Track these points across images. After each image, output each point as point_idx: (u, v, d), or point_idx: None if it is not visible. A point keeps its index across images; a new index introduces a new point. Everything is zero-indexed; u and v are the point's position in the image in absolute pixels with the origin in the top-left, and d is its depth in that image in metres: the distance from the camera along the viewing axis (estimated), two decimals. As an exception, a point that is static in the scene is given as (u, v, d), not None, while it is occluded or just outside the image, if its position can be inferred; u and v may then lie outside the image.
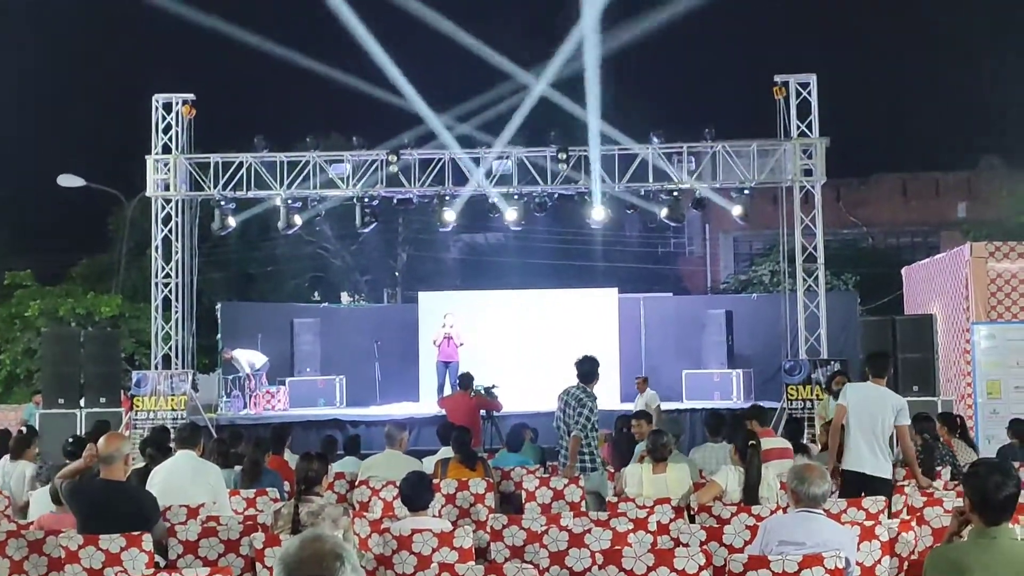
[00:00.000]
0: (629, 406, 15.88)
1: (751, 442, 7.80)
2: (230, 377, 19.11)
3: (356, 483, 9.27)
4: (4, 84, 35.01)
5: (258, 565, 6.29)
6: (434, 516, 7.25)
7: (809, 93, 17.52)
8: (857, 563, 5.86)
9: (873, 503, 7.60)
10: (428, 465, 9.65)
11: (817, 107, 17.45)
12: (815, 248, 17.73)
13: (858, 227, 36.20)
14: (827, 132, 17.64)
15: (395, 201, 18.82)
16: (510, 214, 18.10)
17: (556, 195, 18.14)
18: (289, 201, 18.09)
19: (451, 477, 9.10)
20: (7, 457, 10.13)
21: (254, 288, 32.26)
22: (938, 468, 9.51)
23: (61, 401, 16.45)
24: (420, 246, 35.10)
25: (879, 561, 6.24)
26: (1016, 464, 8.01)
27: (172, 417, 16.59)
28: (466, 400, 14.20)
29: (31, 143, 34.10)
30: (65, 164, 26.24)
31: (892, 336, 15.84)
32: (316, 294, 35.09)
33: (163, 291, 18.21)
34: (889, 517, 7.52)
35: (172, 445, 9.13)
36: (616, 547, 6.18)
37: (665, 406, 17.89)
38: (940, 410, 13.59)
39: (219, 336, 20.13)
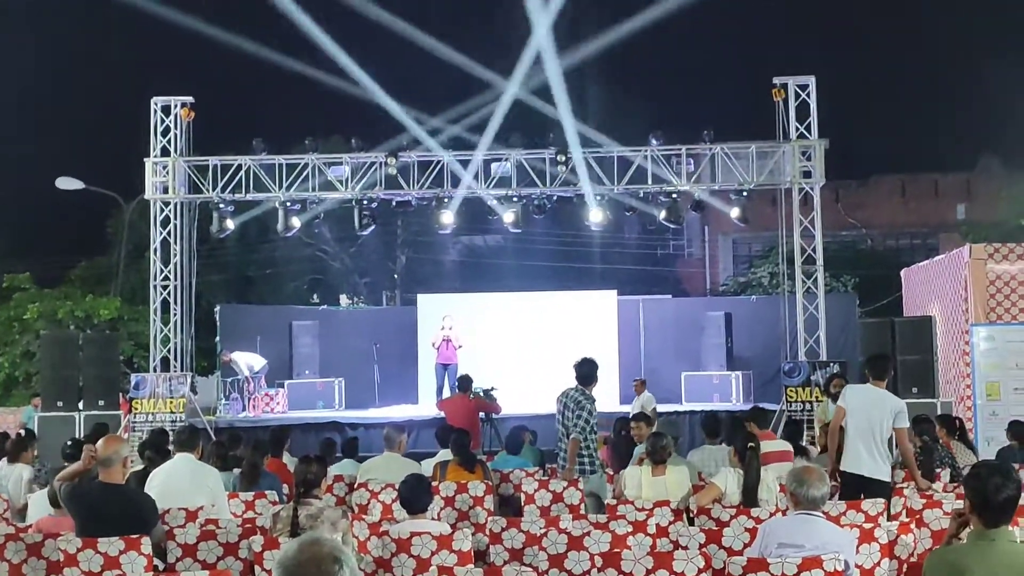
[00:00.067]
0: (628, 408, 15.89)
1: (750, 444, 7.79)
2: (229, 380, 19.11)
3: (355, 486, 9.26)
4: (3, 86, 35.02)
5: (257, 568, 6.29)
6: (433, 519, 7.24)
7: (808, 95, 17.53)
8: (856, 565, 5.86)
9: (872, 505, 7.60)
10: (427, 467, 9.64)
11: (816, 109, 17.46)
12: (814, 250, 17.73)
13: (857, 229, 36.22)
14: (826, 134, 17.65)
15: (394, 203, 18.84)
16: (508, 216, 18.10)
17: (555, 197, 18.15)
18: (288, 203, 18.09)
19: (450, 480, 9.09)
20: (4, 460, 10.12)
21: (253, 290, 32.26)
22: (937, 470, 9.51)
23: (60, 404, 16.46)
24: (419, 248, 35.09)
25: (878, 563, 6.23)
26: (1016, 466, 8.01)
27: (171, 420, 16.59)
28: (465, 402, 14.18)
29: (30, 145, 34.09)
30: (64, 167, 26.22)
31: (891, 338, 15.85)
32: (315, 296, 35.09)
33: (162, 294, 18.20)
34: (888, 519, 7.51)
35: (171, 448, 9.13)
36: (615, 550, 6.18)
37: (664, 408, 17.90)
38: (939, 412, 13.61)
39: (218, 339, 20.13)
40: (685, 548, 6.46)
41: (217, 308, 21.07)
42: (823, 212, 18.06)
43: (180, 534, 6.74)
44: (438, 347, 18.88)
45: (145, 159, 18.16)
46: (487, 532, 6.94)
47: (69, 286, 27.99)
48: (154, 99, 18.24)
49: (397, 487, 7.15)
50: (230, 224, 18.43)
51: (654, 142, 17.57)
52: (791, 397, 16.70)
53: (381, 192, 18.02)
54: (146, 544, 6.23)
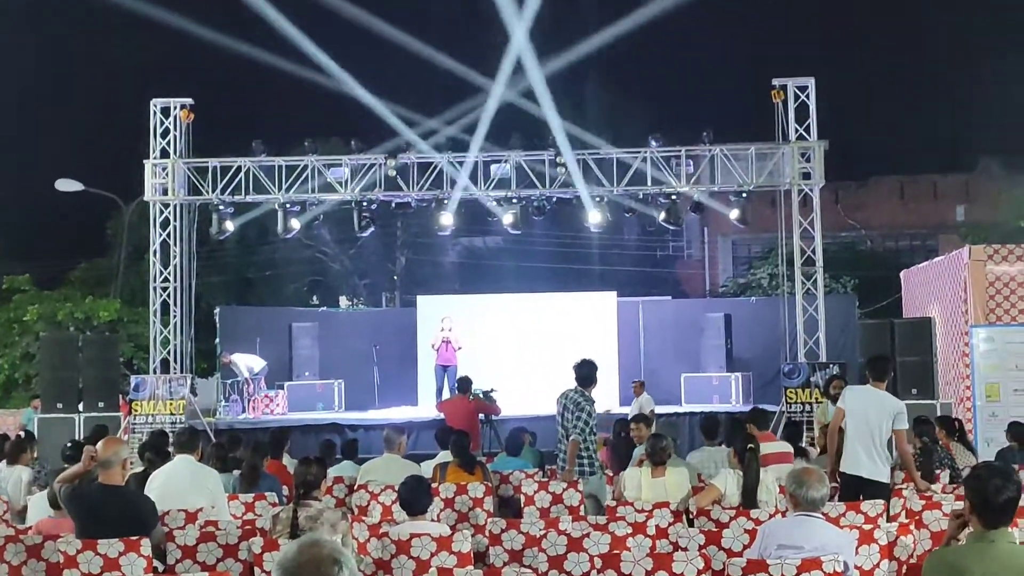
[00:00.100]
0: (627, 410, 15.90)
1: (749, 446, 7.80)
2: (229, 381, 19.11)
3: (355, 487, 9.26)
4: (3, 88, 35.03)
5: (257, 570, 6.28)
6: (433, 520, 7.25)
7: (807, 96, 17.54)
8: (856, 567, 5.86)
9: (872, 507, 7.60)
10: (427, 469, 9.64)
11: (815, 110, 17.47)
12: (813, 251, 17.73)
13: (856, 230, 36.21)
14: (825, 135, 17.65)
15: (393, 205, 18.83)
16: (507, 218, 18.11)
17: (554, 199, 18.15)
18: (287, 205, 18.10)
19: (450, 481, 9.09)
20: (3, 462, 10.12)
21: (253, 292, 32.26)
22: (937, 471, 9.52)
23: (60, 406, 16.46)
24: (419, 250, 35.09)
25: (878, 565, 6.23)
26: (1015, 467, 8.01)
27: (171, 421, 16.59)
28: (465, 404, 14.18)
29: (29, 147, 34.10)
30: (63, 168, 26.22)
31: (891, 339, 15.86)
32: (315, 298, 35.09)
33: (161, 295, 18.20)
34: (887, 521, 7.52)
35: (170, 449, 9.12)
36: (615, 551, 6.18)
37: (664, 410, 17.92)
38: (939, 413, 13.63)
39: (218, 340, 20.13)
40: (685, 549, 6.46)
41: (217, 310, 21.07)
42: (822, 213, 18.06)
43: (180, 536, 6.74)
44: (437, 349, 18.89)
45: (145, 161, 18.16)
46: (487, 533, 6.94)
47: (69, 288, 28.00)
48: (153, 101, 18.25)
49: (397, 489, 7.16)
50: (229, 226, 18.43)
51: (653, 143, 17.58)
52: (791, 398, 16.71)
53: (380, 194, 18.02)
54: (146, 546, 6.23)
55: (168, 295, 18.20)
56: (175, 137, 18.14)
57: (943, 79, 40.93)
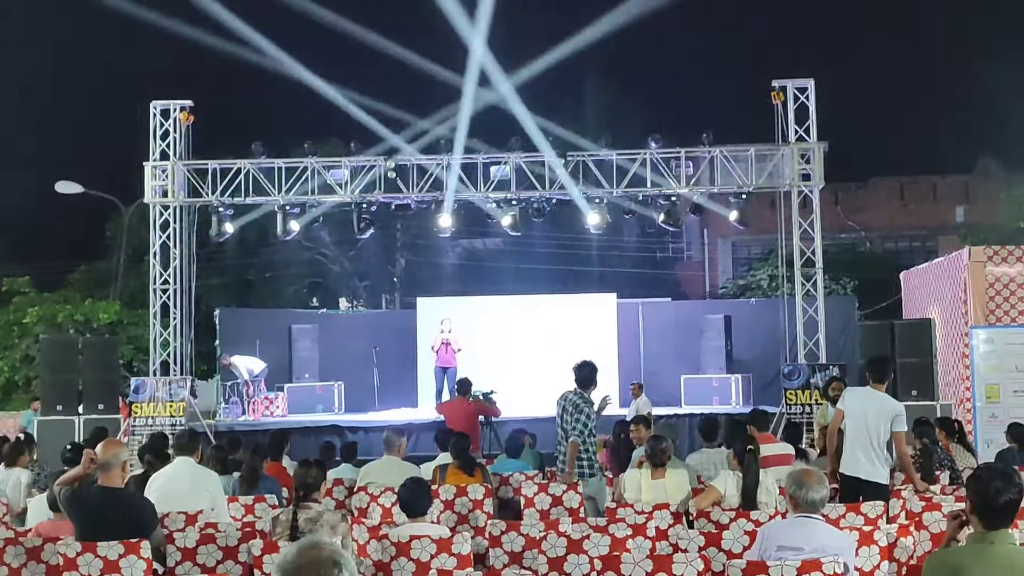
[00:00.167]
0: (625, 412, 15.91)
1: (748, 447, 7.80)
2: (228, 383, 19.10)
3: (354, 489, 9.26)
4: (2, 90, 35.04)
5: (256, 572, 6.28)
6: (432, 522, 7.24)
7: (807, 98, 17.54)
8: (856, 568, 5.86)
9: (872, 508, 7.60)
10: (426, 471, 9.64)
11: (815, 111, 17.48)
12: (813, 252, 17.73)
13: (856, 231, 36.21)
14: (825, 136, 17.65)
15: (393, 207, 18.83)
16: (506, 220, 18.11)
17: (554, 200, 18.15)
18: (287, 207, 18.10)
19: (449, 483, 9.09)
20: (2, 464, 10.11)
21: (252, 294, 32.26)
22: (936, 473, 9.52)
23: (59, 408, 16.45)
24: (418, 251, 35.10)
25: (878, 566, 6.24)
26: (1016, 468, 8.01)
27: (170, 424, 16.58)
28: (465, 406, 14.18)
29: (29, 149, 34.10)
30: (63, 171, 26.24)
31: (891, 340, 15.86)
32: (314, 300, 35.09)
33: (161, 297, 18.19)
34: (887, 522, 7.51)
35: (170, 452, 9.11)
36: (615, 553, 6.18)
37: (664, 411, 17.93)
38: (939, 414, 13.63)
39: (217, 342, 20.12)
40: (684, 551, 6.47)
41: (217, 312, 21.04)
42: (822, 215, 18.07)
43: (179, 538, 6.74)
44: (437, 350, 18.89)
45: (144, 163, 18.15)
46: (486, 535, 6.95)
47: (69, 290, 28.03)
48: (153, 103, 18.24)
49: (396, 491, 7.15)
50: (229, 228, 18.43)
51: (653, 145, 17.58)
52: (791, 400, 16.70)
53: (380, 195, 18.02)
54: (145, 548, 6.23)
55: (168, 297, 18.19)
56: (175, 139, 18.14)
57: (942, 80, 41.04)
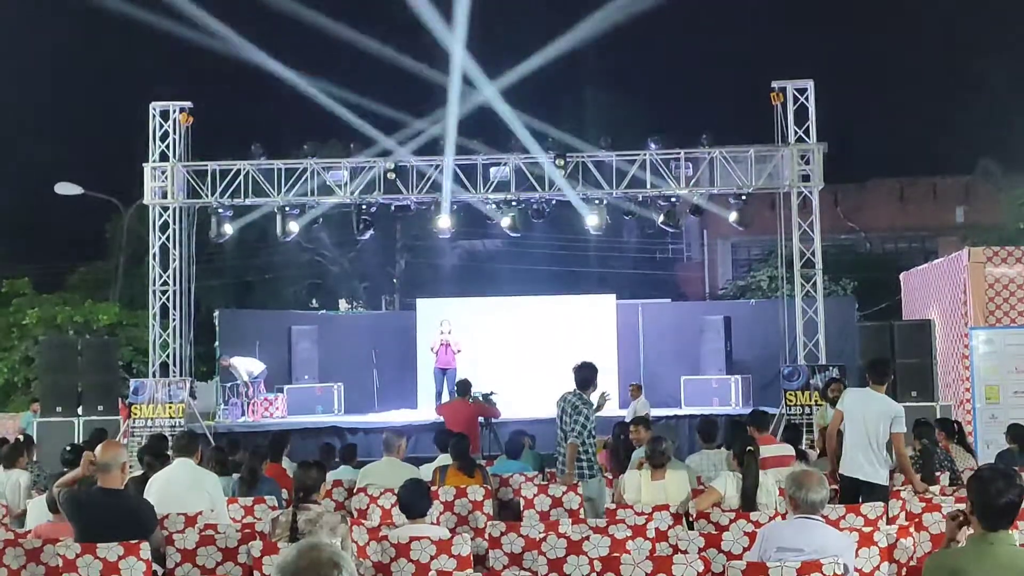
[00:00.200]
0: (623, 413, 15.92)
1: (748, 448, 7.79)
2: (228, 385, 19.10)
3: (354, 491, 9.26)
4: (2, 91, 35.02)
5: (256, 573, 6.28)
6: (432, 523, 7.24)
7: (806, 99, 17.54)
8: (856, 569, 5.85)
9: (871, 509, 7.60)
10: (426, 472, 9.63)
11: (814, 112, 17.47)
12: (813, 253, 17.73)
13: (856, 232, 36.19)
14: (824, 137, 17.66)
15: (392, 208, 18.83)
16: (505, 221, 18.12)
17: (553, 201, 18.15)
18: (286, 208, 18.10)
19: (449, 484, 9.08)
20: (1, 466, 10.11)
21: (252, 295, 32.24)
22: (936, 474, 9.52)
23: (59, 409, 16.44)
24: (418, 253, 35.09)
25: (877, 567, 6.23)
26: (1016, 469, 8.00)
27: (170, 425, 16.57)
28: (464, 407, 14.17)
29: (29, 151, 34.08)
30: (63, 172, 26.22)
31: (890, 341, 15.85)
32: (314, 301, 35.07)
33: (161, 299, 18.19)
34: (887, 523, 7.51)
35: (170, 453, 9.11)
36: (615, 554, 6.17)
37: (664, 412, 17.95)
38: (938, 415, 13.62)
39: (217, 344, 20.12)
40: (684, 552, 6.47)
41: (216, 313, 21.03)
42: (822, 216, 18.07)
43: (179, 539, 6.74)
44: (436, 352, 18.89)
45: (144, 164, 18.15)
46: (486, 537, 6.94)
47: (68, 291, 28.01)
48: (153, 104, 18.24)
49: (396, 492, 7.15)
50: (228, 229, 18.43)
51: (653, 146, 17.58)
52: (790, 401, 16.70)
53: (379, 197, 18.02)
54: (145, 549, 6.23)
55: (167, 298, 18.18)
56: (174, 140, 18.14)
57: (942, 81, 41.02)
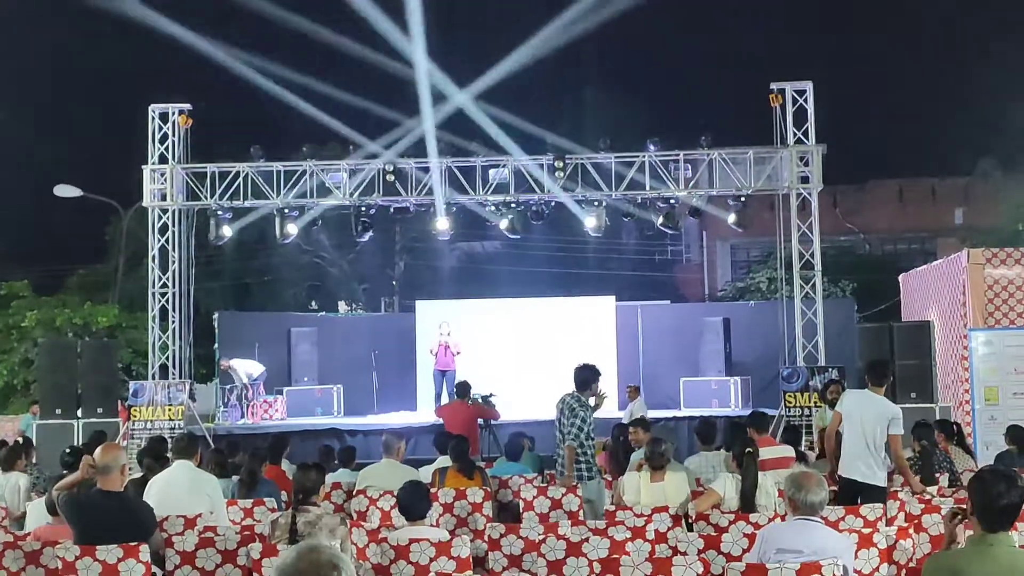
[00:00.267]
0: (621, 415, 15.92)
1: (747, 450, 7.80)
2: (228, 387, 19.07)
3: (353, 493, 9.26)
4: (1, 93, 35.02)
5: (255, 575, 6.28)
6: (432, 525, 7.25)
7: (805, 100, 17.54)
8: (855, 571, 5.86)
9: (871, 511, 7.61)
10: (425, 474, 9.64)
11: (813, 114, 17.48)
12: (812, 255, 17.73)
13: (855, 234, 36.20)
14: (823, 139, 17.68)
15: (392, 210, 18.82)
16: (503, 223, 18.12)
17: (553, 203, 18.14)
18: (286, 210, 18.09)
19: (449, 486, 9.09)
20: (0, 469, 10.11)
21: (251, 297, 32.21)
22: (936, 475, 9.53)
23: (58, 411, 16.42)
24: (417, 255, 35.08)
25: (877, 569, 6.24)
26: (1015, 470, 8.01)
27: (169, 427, 16.54)
28: (464, 409, 14.18)
29: (28, 153, 34.09)
30: (62, 174, 26.22)
31: (889, 343, 15.85)
32: (313, 303, 35.05)
33: (160, 301, 18.18)
34: (886, 524, 7.52)
35: (169, 455, 9.12)
36: (614, 556, 6.18)
37: (663, 414, 17.93)
38: (938, 417, 13.62)
39: (216, 346, 20.09)
40: (684, 554, 6.47)
41: (215, 315, 21.01)
42: (821, 217, 18.06)
43: (179, 541, 6.74)
44: (436, 353, 18.88)
45: (143, 166, 18.14)
46: (486, 538, 6.94)
47: (67, 293, 28.01)
48: (152, 106, 18.22)
49: (395, 494, 7.15)
50: (227, 231, 18.41)
51: (652, 148, 17.58)
52: (790, 402, 16.70)
53: (379, 198, 18.01)
54: (144, 552, 6.24)
55: (167, 301, 18.17)
56: (173, 142, 18.12)
57: (942, 82, 41.00)
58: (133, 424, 17.06)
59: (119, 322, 24.94)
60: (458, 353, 18.75)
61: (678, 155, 17.68)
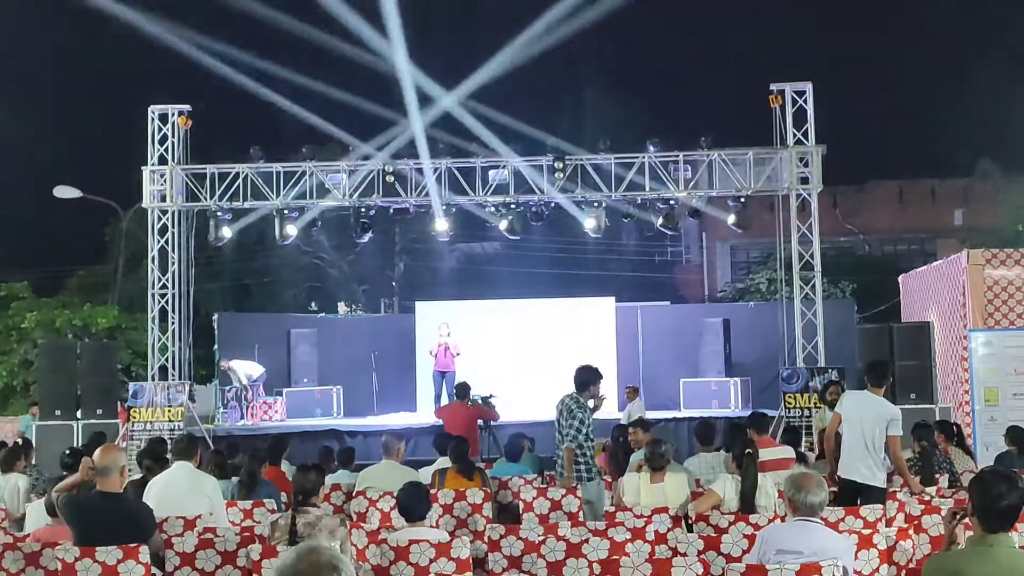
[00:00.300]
0: (620, 416, 15.92)
1: (747, 451, 7.79)
2: (227, 388, 19.07)
3: (353, 494, 9.26)
4: (1, 94, 35.03)
5: (255, 576, 6.28)
6: (431, 526, 7.25)
7: (805, 101, 17.54)
8: (855, 572, 5.86)
9: (871, 511, 7.61)
10: (425, 475, 9.64)
11: (813, 115, 17.47)
12: (812, 256, 17.73)
13: (855, 234, 36.21)
14: (823, 140, 17.67)
15: (391, 210, 18.82)
16: (502, 224, 18.11)
17: (552, 204, 18.14)
18: (285, 211, 18.09)
19: (448, 487, 9.09)
20: (-1, 470, 10.11)
21: (251, 298, 32.20)
22: (936, 476, 9.53)
23: (58, 413, 16.42)
24: (417, 256, 35.08)
25: (877, 569, 6.24)
26: (1015, 471, 8.00)
27: (169, 428, 16.54)
28: (464, 410, 14.18)
29: (28, 154, 34.11)
30: (61, 175, 26.25)
31: (889, 344, 15.85)
32: (313, 304, 35.04)
33: (160, 302, 18.16)
34: (886, 525, 7.52)
35: (169, 456, 9.11)
36: (614, 557, 6.17)
37: (663, 415, 17.92)
38: (938, 417, 13.62)
39: (216, 347, 20.10)
40: (684, 555, 6.47)
41: (215, 316, 21.01)
42: (821, 218, 18.05)
43: (178, 543, 6.74)
44: (435, 355, 18.87)
45: (143, 167, 18.13)
46: (485, 539, 6.94)
47: (67, 295, 28.00)
48: (151, 107, 18.22)
49: (395, 495, 7.15)
50: (227, 232, 18.39)
51: (651, 149, 17.58)
52: (789, 403, 16.70)
53: (378, 199, 18.00)
54: (144, 553, 6.23)
55: (166, 302, 18.16)
56: (173, 144, 18.12)
57: (942, 83, 41.03)
58: (133, 425, 17.06)
59: (119, 323, 24.93)
60: (458, 354, 18.75)
61: (678, 156, 17.68)
